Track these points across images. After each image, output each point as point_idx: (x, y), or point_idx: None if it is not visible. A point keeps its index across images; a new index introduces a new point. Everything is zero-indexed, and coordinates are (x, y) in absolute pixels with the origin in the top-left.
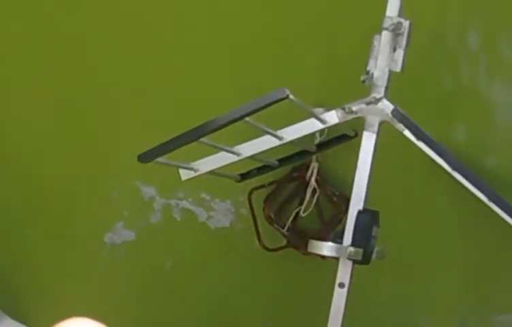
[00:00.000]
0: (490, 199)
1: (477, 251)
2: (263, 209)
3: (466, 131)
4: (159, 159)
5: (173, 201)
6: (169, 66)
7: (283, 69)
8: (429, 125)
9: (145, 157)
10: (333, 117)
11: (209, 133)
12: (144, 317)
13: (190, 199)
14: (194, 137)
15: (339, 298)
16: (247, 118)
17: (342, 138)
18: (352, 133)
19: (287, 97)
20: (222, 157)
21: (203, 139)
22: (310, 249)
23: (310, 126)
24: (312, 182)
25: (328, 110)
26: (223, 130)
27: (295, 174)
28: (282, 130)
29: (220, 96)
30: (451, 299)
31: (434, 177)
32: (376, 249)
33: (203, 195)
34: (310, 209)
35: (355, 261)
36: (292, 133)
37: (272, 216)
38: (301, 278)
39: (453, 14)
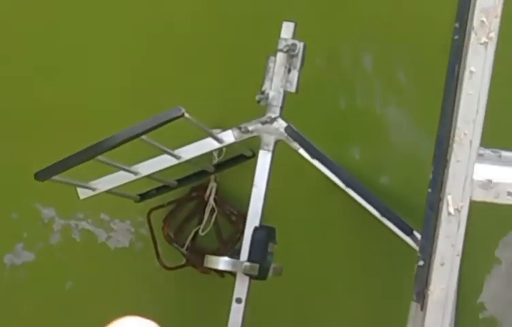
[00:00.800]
0: (383, 214)
1: (374, 269)
2: (163, 228)
3: (361, 151)
4: (57, 178)
5: (72, 222)
6: (65, 84)
7: (181, 90)
8: (325, 145)
9: (42, 175)
10: (229, 136)
11: (105, 151)
12: None
13: (89, 220)
14: (90, 155)
15: (236, 313)
16: (143, 137)
17: (240, 158)
18: (249, 153)
19: (182, 115)
20: (120, 176)
21: (100, 158)
22: (206, 264)
23: (207, 145)
24: (211, 201)
25: (225, 129)
26: (122, 150)
27: (194, 194)
28: (179, 149)
29: (117, 115)
30: (349, 319)
31: (330, 195)
32: (273, 265)
33: (102, 215)
34: (209, 228)
35: (251, 277)
36: (189, 152)
37: (171, 235)
38: (200, 296)
39: (348, 37)
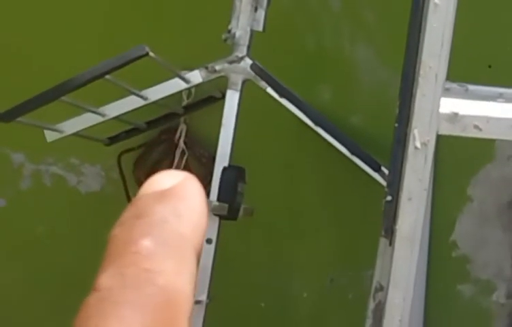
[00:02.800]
0: (352, 152)
1: (344, 207)
2: (133, 172)
3: (331, 91)
4: (22, 119)
5: (42, 167)
6: (30, 27)
7: (146, 31)
8: (295, 85)
9: (6, 116)
10: (196, 76)
11: (69, 92)
12: (15, 280)
13: (59, 165)
14: (54, 95)
15: (207, 254)
16: (108, 77)
17: (209, 100)
18: (218, 95)
19: (147, 54)
20: (87, 118)
21: (64, 99)
22: None
23: (174, 86)
24: (181, 144)
25: (192, 69)
26: (90, 94)
27: (164, 137)
28: (146, 90)
29: (82, 57)
30: (320, 257)
31: (301, 135)
32: (243, 206)
33: (72, 160)
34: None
35: (221, 217)
36: (156, 93)
37: (142, 179)
38: None
39: None
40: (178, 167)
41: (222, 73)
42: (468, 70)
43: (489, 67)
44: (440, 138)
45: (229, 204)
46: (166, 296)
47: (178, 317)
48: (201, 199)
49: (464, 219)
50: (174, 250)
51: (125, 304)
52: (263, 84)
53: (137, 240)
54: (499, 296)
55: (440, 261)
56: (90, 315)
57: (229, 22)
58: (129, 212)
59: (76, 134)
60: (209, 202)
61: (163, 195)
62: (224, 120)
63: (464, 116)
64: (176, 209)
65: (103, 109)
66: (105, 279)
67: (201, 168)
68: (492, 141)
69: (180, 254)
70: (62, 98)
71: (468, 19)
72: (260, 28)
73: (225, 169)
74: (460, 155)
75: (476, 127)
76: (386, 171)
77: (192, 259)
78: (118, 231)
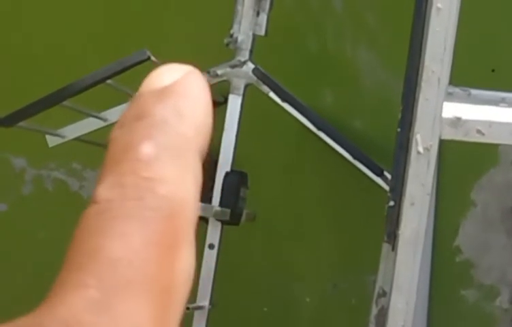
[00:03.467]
0: (354, 157)
1: (347, 212)
2: None
3: (333, 95)
4: (24, 124)
5: (44, 172)
6: (32, 28)
7: (148, 35)
8: (297, 89)
9: (7, 121)
10: None
11: (70, 97)
12: (16, 286)
13: (61, 170)
14: (55, 100)
15: (209, 259)
16: (109, 81)
17: (212, 104)
18: (221, 99)
19: (148, 58)
20: (89, 123)
21: (66, 104)
22: None
23: None
24: None
25: None
26: (91, 99)
27: None
28: None
29: (84, 61)
30: (323, 262)
31: (304, 140)
32: (245, 211)
33: (74, 165)
34: None
35: (223, 222)
36: None
37: None
38: None
39: None
40: None
41: (224, 78)
42: (471, 74)
43: (493, 71)
44: (443, 143)
45: (232, 209)
46: (169, 207)
47: (182, 228)
48: (205, 95)
49: (467, 223)
50: (176, 154)
51: (126, 218)
52: (265, 88)
53: (136, 144)
54: (502, 301)
55: (443, 266)
56: (90, 232)
57: (231, 26)
58: (129, 112)
59: (78, 139)
60: (210, 207)
61: (163, 92)
62: (226, 125)
63: (466, 121)
64: (178, 108)
65: (104, 114)
66: (104, 190)
67: (204, 173)
68: (496, 146)
69: (183, 158)
70: (64, 103)
71: (472, 23)
72: (262, 33)
73: (227, 174)
74: (464, 160)
75: (479, 131)
76: (389, 176)
77: (195, 162)
78: (117, 134)
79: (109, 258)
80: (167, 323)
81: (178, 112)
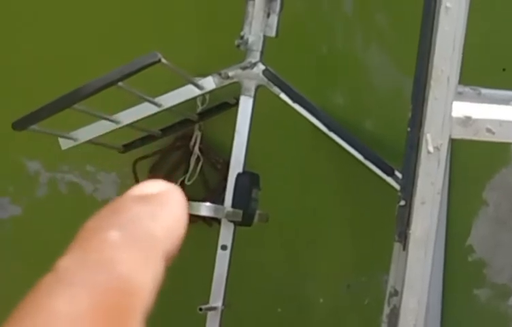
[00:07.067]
0: (366, 157)
1: (359, 212)
2: (149, 178)
3: (343, 96)
4: (36, 127)
5: (58, 175)
6: (43, 32)
7: (159, 38)
8: (308, 90)
9: (19, 124)
10: (209, 83)
11: (81, 99)
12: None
13: (75, 172)
14: (66, 103)
15: (222, 260)
16: (120, 83)
17: (224, 106)
18: (233, 101)
19: (159, 60)
20: (101, 125)
21: (77, 106)
22: (189, 211)
23: (187, 92)
24: (196, 150)
25: (205, 76)
26: (103, 101)
27: (179, 143)
28: (159, 97)
29: (95, 63)
30: (336, 262)
31: (315, 140)
32: (258, 212)
33: (88, 167)
34: (195, 177)
35: (236, 223)
36: (170, 99)
37: None
38: (186, 246)
39: None
40: (193, 174)
41: (235, 79)
42: (482, 73)
43: (504, 70)
44: (455, 142)
45: (244, 210)
46: (122, 284)
47: (132, 309)
48: (181, 209)
49: (479, 223)
50: (142, 246)
51: (79, 283)
52: (276, 89)
53: (106, 229)
54: None
55: (456, 265)
56: (41, 294)
57: (242, 28)
58: (107, 208)
59: (90, 142)
60: (222, 208)
61: (143, 197)
62: (238, 127)
63: (476, 120)
64: (153, 211)
65: (116, 116)
66: (65, 260)
67: (216, 174)
68: (508, 145)
69: (147, 252)
70: (75, 106)
71: (483, 22)
72: (273, 34)
73: (239, 175)
74: (476, 160)
75: (489, 130)
76: (400, 175)
77: (158, 261)
78: (90, 222)
79: (53, 311)
80: None
81: (152, 214)
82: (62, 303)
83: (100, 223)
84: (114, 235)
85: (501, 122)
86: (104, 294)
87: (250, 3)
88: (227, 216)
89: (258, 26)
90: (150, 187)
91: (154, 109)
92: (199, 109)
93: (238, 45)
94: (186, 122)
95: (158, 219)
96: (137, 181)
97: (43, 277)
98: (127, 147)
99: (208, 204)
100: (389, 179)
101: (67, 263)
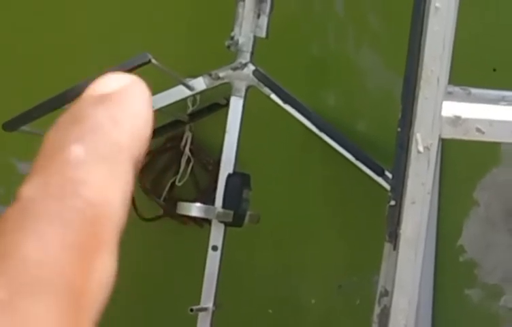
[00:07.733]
0: (356, 157)
1: (350, 212)
2: (139, 180)
3: (335, 96)
4: (26, 128)
5: None
6: (34, 34)
7: (151, 39)
8: (299, 91)
9: (9, 126)
10: (200, 83)
11: (72, 100)
12: None
13: None
14: (57, 104)
15: (213, 260)
16: None
17: (214, 107)
18: (223, 102)
19: (149, 61)
20: None
21: (68, 107)
22: (179, 211)
23: (177, 93)
24: (187, 151)
25: (195, 77)
26: None
27: (169, 144)
28: None
29: (85, 64)
30: (328, 263)
31: (306, 141)
32: (249, 213)
33: None
34: (186, 178)
35: (226, 224)
36: (160, 100)
37: (148, 186)
38: (179, 247)
39: None
40: (183, 175)
41: (225, 80)
42: (472, 73)
43: (494, 70)
44: (445, 142)
45: (234, 210)
46: (92, 210)
47: (103, 233)
48: (144, 105)
49: (470, 223)
50: (106, 160)
51: (46, 219)
52: (266, 90)
53: (67, 146)
54: (507, 300)
55: (447, 265)
56: (8, 229)
57: (232, 29)
58: (66, 115)
59: None
60: (213, 209)
61: (101, 98)
62: (228, 127)
63: (466, 120)
64: (114, 114)
65: None
66: (29, 189)
67: (207, 175)
68: (498, 145)
69: (113, 164)
70: (66, 107)
71: (473, 22)
72: (263, 35)
73: (229, 175)
74: (466, 160)
75: (478, 130)
76: (390, 175)
77: (126, 170)
78: (51, 135)
79: (22, 258)
80: (77, 326)
81: (113, 119)
82: (32, 248)
83: (59, 138)
84: (75, 152)
85: (491, 122)
86: (74, 227)
87: (241, 4)
88: (218, 216)
89: (248, 27)
90: (108, 83)
91: None
92: (190, 110)
93: (228, 46)
94: (176, 123)
95: (121, 124)
96: None
97: (8, 209)
98: None
99: (198, 204)
100: (379, 179)
101: (30, 192)
